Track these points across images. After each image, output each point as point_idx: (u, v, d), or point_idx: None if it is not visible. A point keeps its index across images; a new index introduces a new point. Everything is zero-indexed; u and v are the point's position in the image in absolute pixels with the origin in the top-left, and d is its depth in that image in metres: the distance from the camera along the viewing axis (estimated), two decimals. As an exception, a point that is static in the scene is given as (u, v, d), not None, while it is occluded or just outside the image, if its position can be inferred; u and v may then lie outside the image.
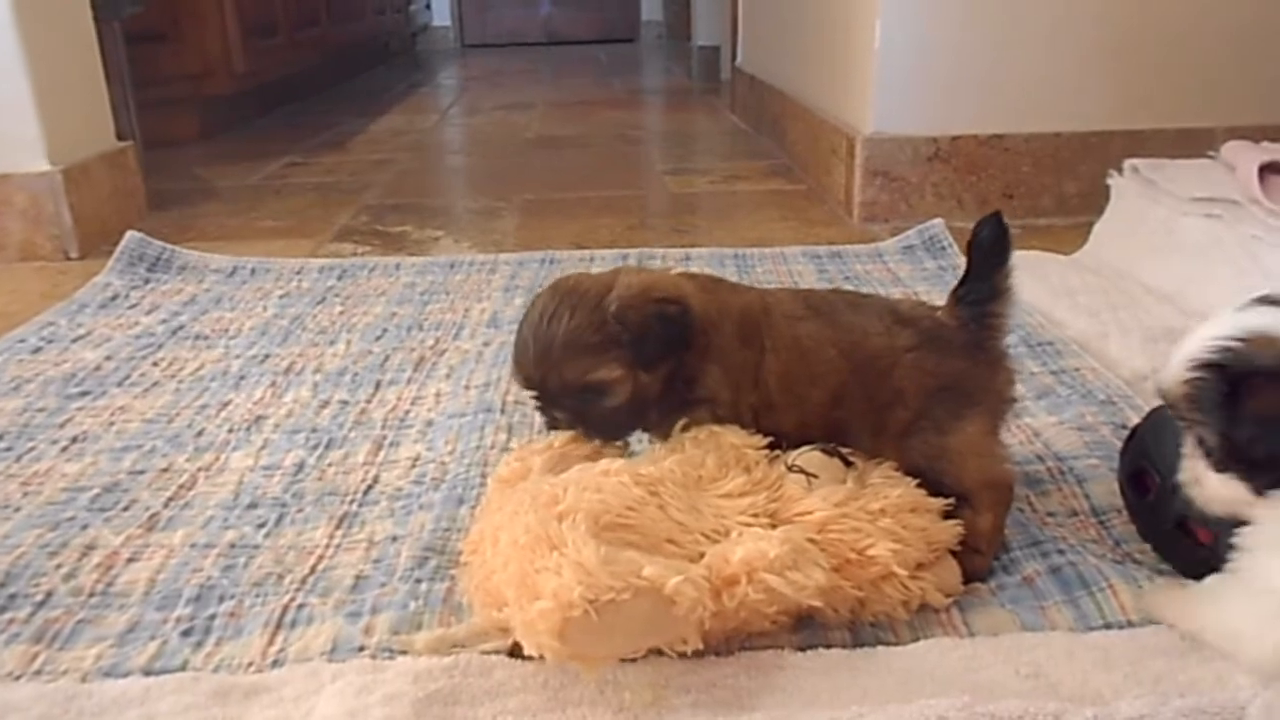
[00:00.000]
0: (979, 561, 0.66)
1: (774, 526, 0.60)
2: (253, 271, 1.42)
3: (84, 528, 0.76)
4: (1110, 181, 1.40)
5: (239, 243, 1.60)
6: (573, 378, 0.65)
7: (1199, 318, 1.06)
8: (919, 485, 0.66)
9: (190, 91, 2.53)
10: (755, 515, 0.60)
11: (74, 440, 0.91)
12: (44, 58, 1.53)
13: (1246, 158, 1.19)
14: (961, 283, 0.70)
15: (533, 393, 0.68)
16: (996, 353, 0.70)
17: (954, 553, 0.65)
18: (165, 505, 0.79)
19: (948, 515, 0.65)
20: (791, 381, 0.69)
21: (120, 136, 1.75)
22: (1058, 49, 1.64)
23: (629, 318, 0.65)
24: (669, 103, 3.47)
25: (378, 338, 1.16)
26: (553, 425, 0.69)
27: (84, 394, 1.02)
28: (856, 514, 0.61)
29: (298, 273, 1.41)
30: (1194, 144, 1.50)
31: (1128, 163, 1.39)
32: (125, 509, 0.79)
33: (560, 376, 0.65)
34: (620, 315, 0.65)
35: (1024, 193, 1.69)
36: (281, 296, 1.31)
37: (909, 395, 0.68)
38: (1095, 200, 1.44)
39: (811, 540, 0.58)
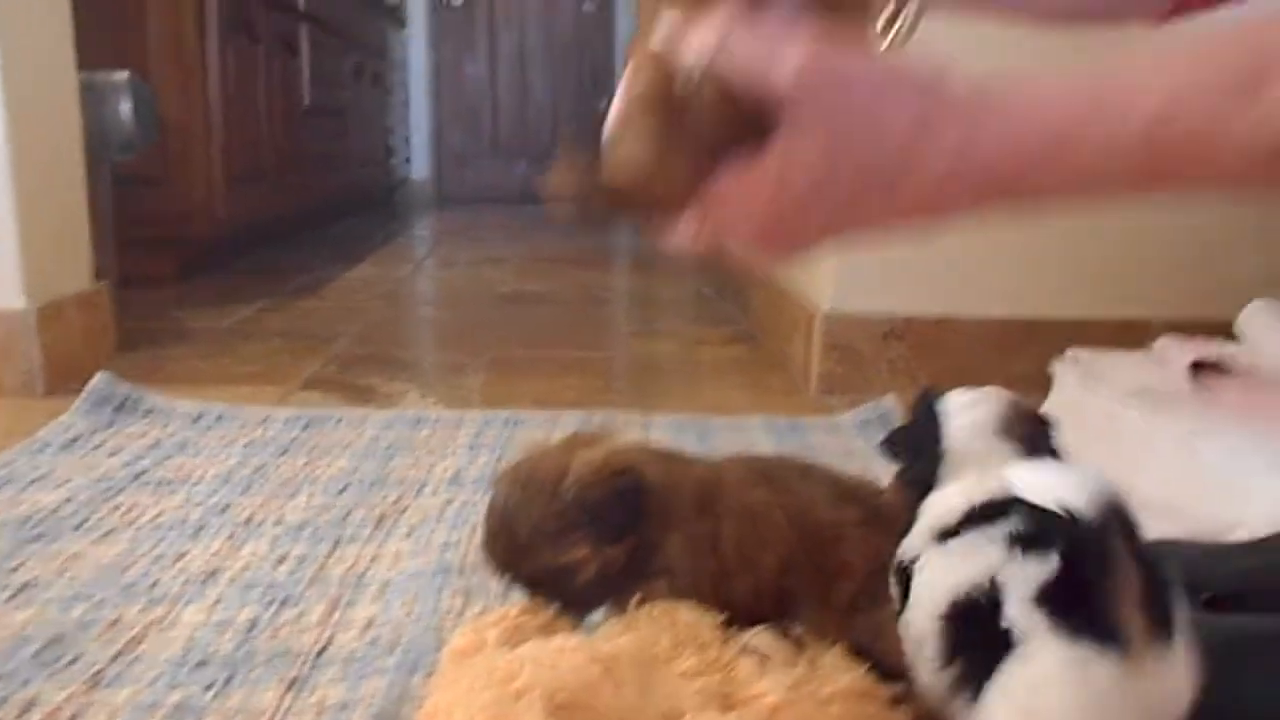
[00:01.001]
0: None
1: (728, 709, 0.61)
2: (219, 418, 1.43)
3: (25, 683, 0.75)
4: (1052, 370, 1.47)
5: (208, 387, 1.61)
6: (541, 562, 0.68)
7: (1142, 508, 1.10)
8: (870, 668, 0.68)
9: (170, 233, 2.59)
10: (709, 697, 0.61)
11: (24, 587, 0.90)
12: (33, 199, 1.57)
13: (1178, 354, 1.26)
14: (904, 463, 0.74)
15: (506, 578, 0.70)
16: None
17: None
18: (112, 660, 0.78)
19: (897, 701, 0.66)
20: (744, 546, 0.72)
21: (97, 276, 1.78)
22: (1004, 239, 1.74)
23: (589, 499, 0.67)
24: (638, 264, 3.59)
25: (340, 491, 1.17)
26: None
27: (39, 538, 1.01)
28: (807, 699, 0.62)
29: (263, 421, 1.42)
30: (1133, 335, 1.59)
31: (1069, 353, 1.46)
32: (71, 663, 0.78)
33: (529, 565, 0.68)
34: (580, 499, 0.67)
35: (973, 372, 1.74)
36: (246, 445, 1.32)
37: (856, 569, 0.71)
38: (1041, 381, 1.51)
39: (762, 725, 0.59)
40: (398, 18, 5.38)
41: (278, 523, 1.07)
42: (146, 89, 2.00)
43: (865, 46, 0.46)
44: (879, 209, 0.46)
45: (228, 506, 1.11)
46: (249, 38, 2.88)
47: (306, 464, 1.26)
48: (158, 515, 1.08)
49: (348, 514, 1.10)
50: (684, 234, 0.50)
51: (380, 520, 1.09)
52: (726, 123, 0.46)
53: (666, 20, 0.47)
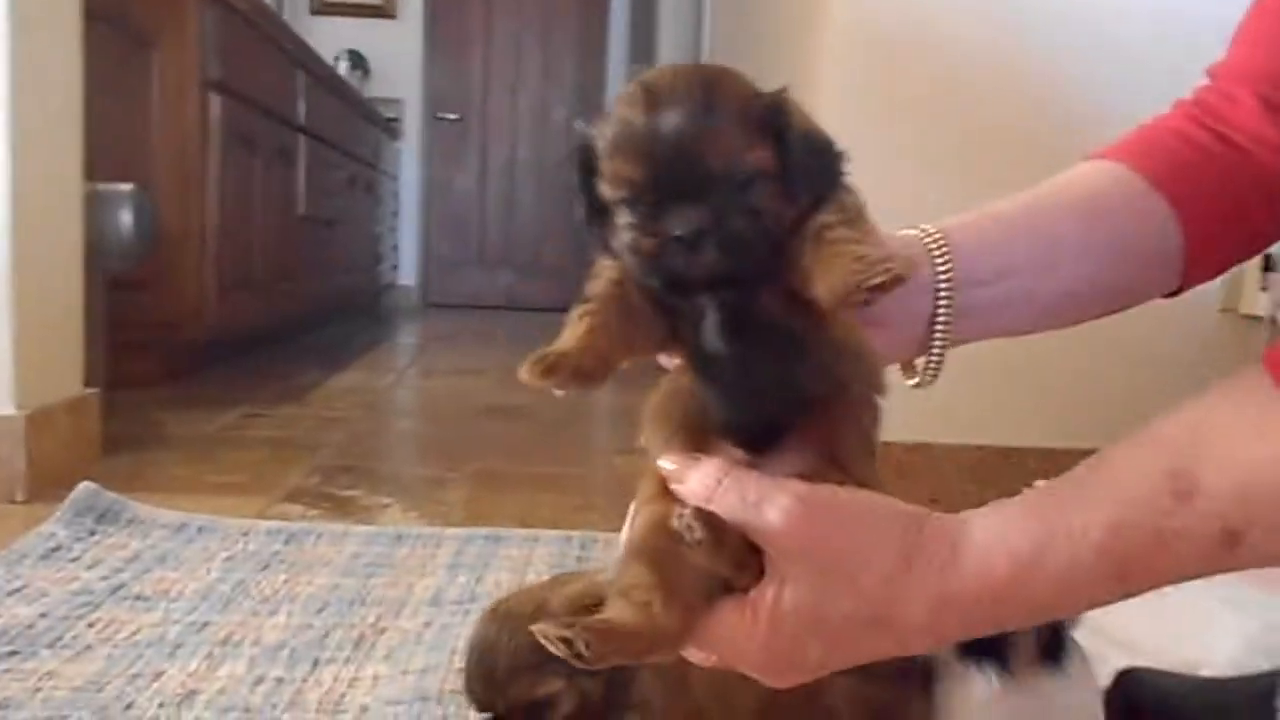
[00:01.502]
0: None
1: None
2: (200, 530, 1.43)
3: (-2, 807, 0.74)
4: (1026, 500, 1.50)
5: (188, 496, 1.62)
6: (517, 696, 0.69)
7: (1110, 645, 1.12)
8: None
9: (159, 337, 2.62)
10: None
11: (-2, 706, 0.90)
12: (30, 307, 1.60)
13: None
14: None
15: (486, 716, 0.71)
16: (926, 679, 0.75)
17: None
18: (86, 786, 0.78)
19: None
20: (719, 685, 0.73)
21: (86, 382, 1.80)
22: (979, 368, 1.79)
23: None
24: (620, 377, 3.62)
25: (319, 610, 1.17)
26: None
27: (13, 654, 1.01)
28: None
29: (245, 534, 1.43)
30: (1102, 468, 1.63)
31: (1038, 483, 1.50)
32: (43, 788, 0.77)
33: (507, 698, 0.69)
34: None
35: (948, 498, 1.79)
36: (226, 559, 1.32)
37: (843, 718, 0.72)
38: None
39: None
40: (393, 130, 5.54)
41: (255, 643, 1.07)
42: (148, 200, 2.06)
43: (852, 489, 0.50)
44: (869, 644, 0.50)
45: (206, 624, 1.11)
46: (249, 150, 2.96)
47: (287, 580, 1.26)
48: (135, 632, 1.08)
49: (326, 634, 1.10)
50: (691, 658, 0.54)
51: (359, 642, 1.09)
52: (721, 564, 0.49)
53: (665, 464, 0.52)
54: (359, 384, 2.98)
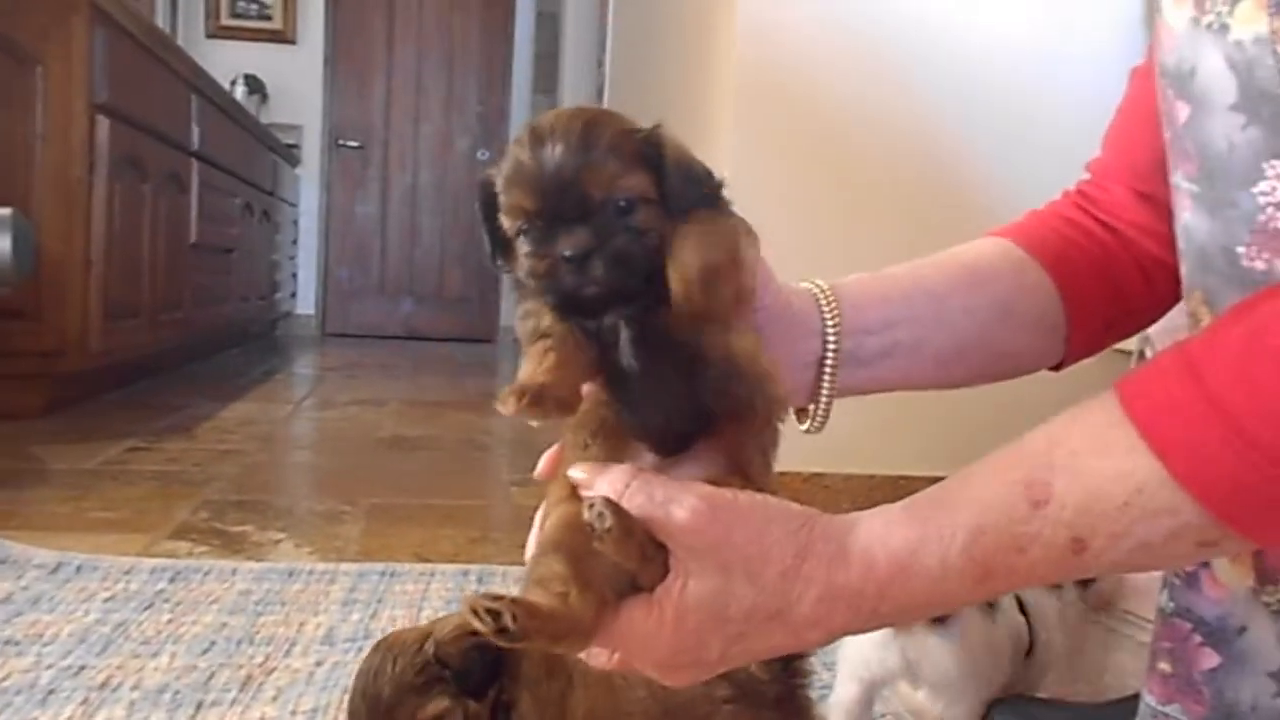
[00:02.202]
0: None
1: None
2: (79, 569, 1.38)
3: None
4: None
5: (68, 534, 1.56)
6: (405, 718, 0.69)
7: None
8: None
9: (41, 368, 2.51)
10: None
11: None
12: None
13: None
14: None
15: None
16: (804, 703, 0.77)
17: None
18: (-53, 842, 0.74)
19: None
20: (600, 717, 0.74)
21: (-43, 415, 1.72)
22: (869, 401, 1.85)
23: (449, 654, 0.69)
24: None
25: (204, 651, 1.14)
26: None
27: None
28: None
29: (127, 573, 1.38)
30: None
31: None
32: (-100, 846, 0.74)
33: None
34: (440, 655, 0.70)
35: (842, 528, 1.83)
36: (106, 599, 1.27)
37: (725, 742, 0.73)
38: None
39: None
40: (292, 156, 5.44)
41: (136, 686, 1.03)
42: (27, 224, 1.98)
43: (751, 493, 0.54)
44: (767, 638, 0.53)
45: (83, 668, 1.07)
46: (138, 174, 2.88)
47: (170, 620, 1.22)
48: (4, 679, 1.03)
49: (211, 676, 1.07)
50: (593, 660, 0.56)
51: (246, 683, 1.06)
52: (629, 555, 0.52)
53: (577, 468, 0.55)
54: (253, 416, 2.90)
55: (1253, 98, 0.51)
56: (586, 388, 0.57)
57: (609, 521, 0.50)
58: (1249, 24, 0.50)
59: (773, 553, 0.51)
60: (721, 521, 0.51)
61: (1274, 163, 0.51)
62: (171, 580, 1.36)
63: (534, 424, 0.52)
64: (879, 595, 0.51)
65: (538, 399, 0.51)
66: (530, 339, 0.54)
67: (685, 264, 0.50)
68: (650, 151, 0.53)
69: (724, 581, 0.51)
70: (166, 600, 1.29)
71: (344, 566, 1.48)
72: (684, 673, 0.55)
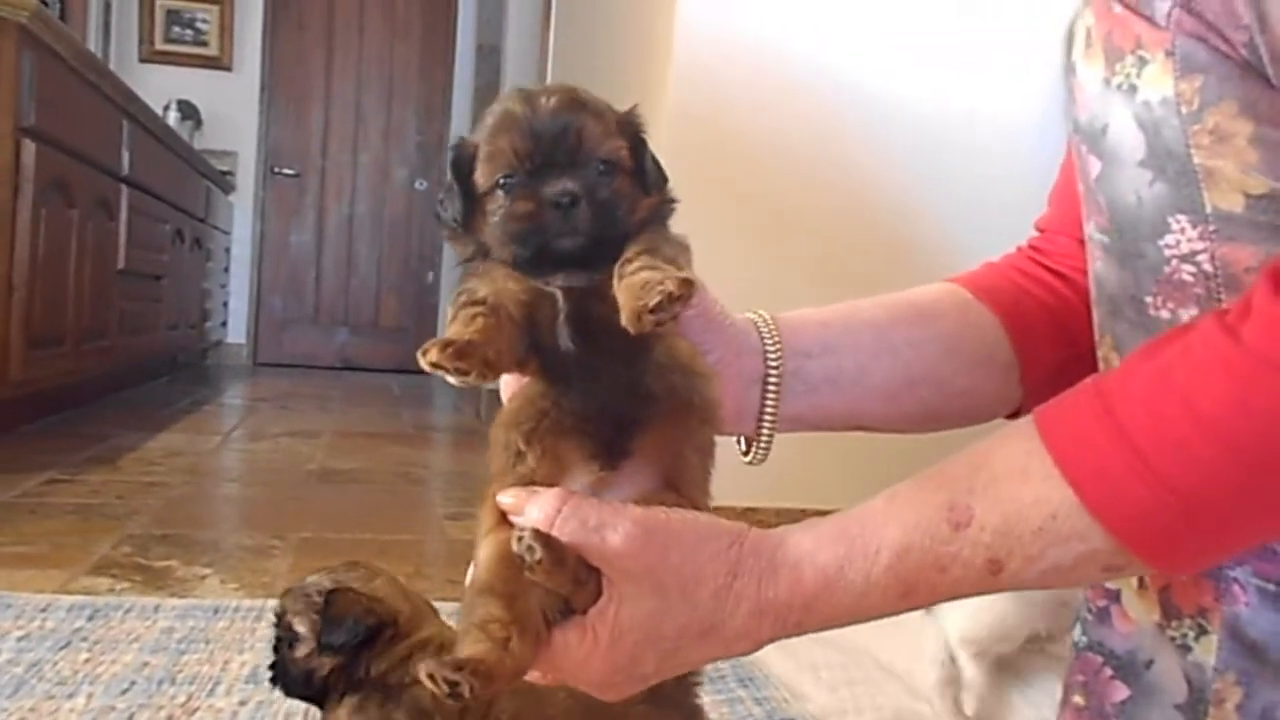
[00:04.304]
0: None
1: None
2: (-9, 607, 1.33)
3: None
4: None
5: (-21, 570, 1.50)
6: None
7: (925, 701, 1.20)
8: None
9: (-47, 397, 2.43)
10: None
11: None
12: None
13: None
14: None
15: None
16: (698, 703, 0.78)
17: None
18: None
19: None
20: None
21: None
22: (805, 436, 1.88)
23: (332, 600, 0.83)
24: (456, 440, 3.59)
25: (124, 691, 1.11)
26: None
27: None
28: None
29: (43, 610, 1.33)
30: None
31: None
32: None
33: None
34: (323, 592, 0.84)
35: (776, 562, 1.85)
36: (20, 639, 1.23)
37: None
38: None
39: None
40: (226, 183, 5.36)
41: (51, 728, 1.00)
42: (-54, 250, 1.92)
43: (682, 510, 0.55)
44: (699, 652, 0.55)
45: (-6, 710, 1.03)
46: (65, 199, 2.81)
47: (88, 660, 1.19)
48: (-90, 721, 0.99)
49: (130, 717, 1.04)
50: (534, 679, 0.57)
51: (167, 724, 1.03)
52: (561, 583, 0.53)
53: (506, 493, 0.55)
54: (180, 447, 2.83)
55: (1159, 155, 0.54)
56: (522, 384, 0.58)
57: (539, 554, 0.50)
58: (1156, 86, 0.53)
59: (706, 571, 0.53)
60: (656, 545, 0.52)
61: (1179, 217, 0.54)
62: (90, 618, 1.32)
63: (453, 381, 0.52)
64: (805, 609, 0.53)
65: (463, 352, 0.51)
66: (461, 306, 0.55)
67: (635, 289, 0.51)
68: (631, 126, 0.57)
69: (659, 602, 0.53)
70: (84, 639, 1.25)
71: (271, 603, 1.45)
72: (620, 689, 0.56)
